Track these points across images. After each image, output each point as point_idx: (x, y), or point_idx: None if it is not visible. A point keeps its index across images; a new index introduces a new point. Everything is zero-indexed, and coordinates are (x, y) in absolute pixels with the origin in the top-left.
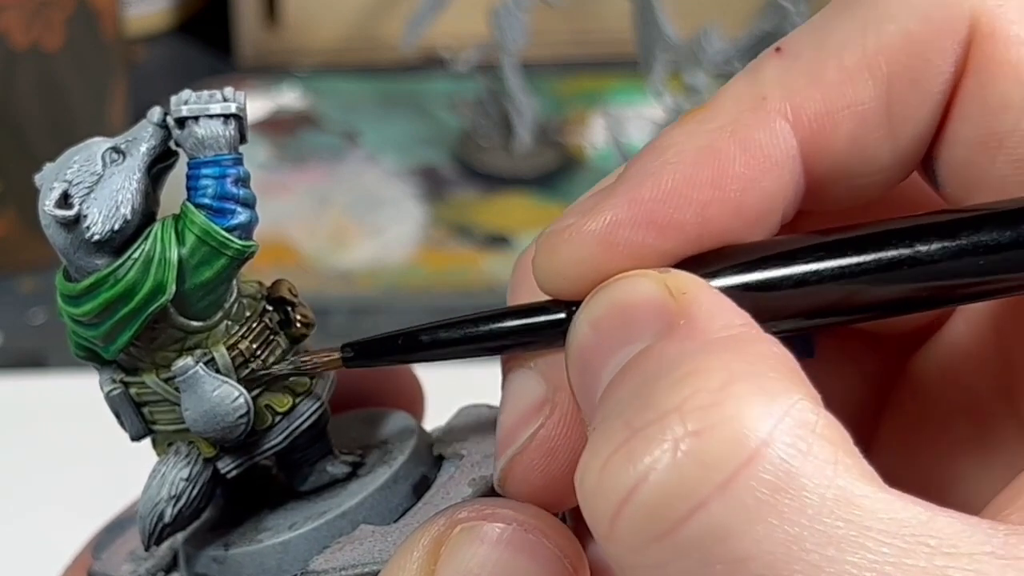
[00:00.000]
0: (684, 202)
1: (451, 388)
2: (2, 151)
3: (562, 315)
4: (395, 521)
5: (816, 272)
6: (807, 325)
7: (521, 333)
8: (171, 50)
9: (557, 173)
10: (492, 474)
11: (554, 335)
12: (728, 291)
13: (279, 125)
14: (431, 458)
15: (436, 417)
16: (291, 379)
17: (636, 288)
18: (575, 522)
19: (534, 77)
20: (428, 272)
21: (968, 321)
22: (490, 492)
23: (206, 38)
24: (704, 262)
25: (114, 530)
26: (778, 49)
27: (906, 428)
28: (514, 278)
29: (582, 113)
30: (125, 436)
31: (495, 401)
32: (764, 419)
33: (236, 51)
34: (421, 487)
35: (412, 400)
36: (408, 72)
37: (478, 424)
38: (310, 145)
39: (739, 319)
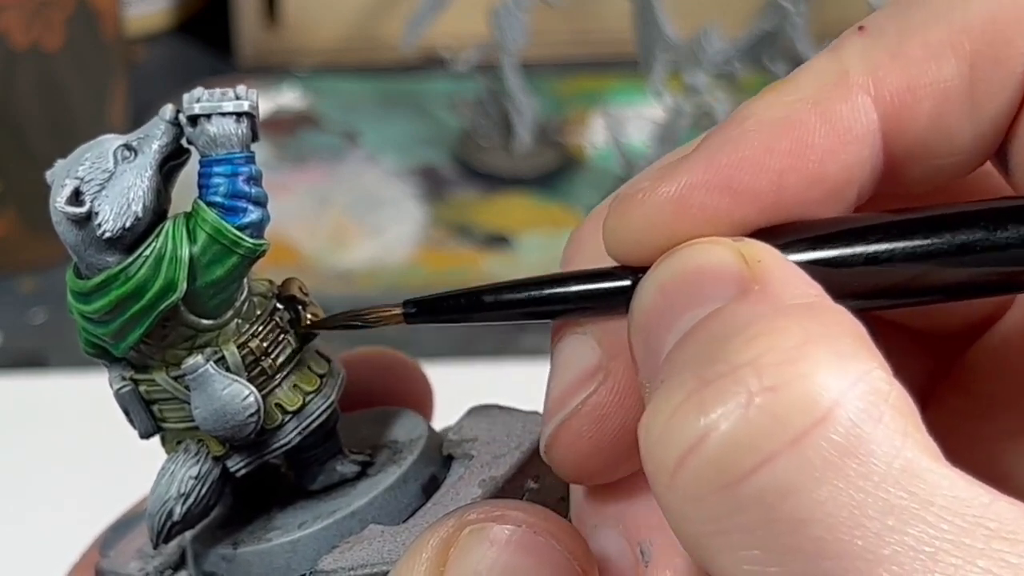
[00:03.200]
0: (761, 170)
1: (460, 387)
2: (2, 151)
3: (628, 282)
4: (404, 521)
5: (887, 251)
6: (875, 305)
7: (584, 299)
8: (171, 50)
9: (557, 173)
10: (501, 474)
11: (616, 303)
12: (799, 265)
13: (279, 125)
14: (441, 458)
15: (445, 416)
16: (300, 378)
17: (710, 253)
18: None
19: (534, 77)
20: (428, 272)
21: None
22: (499, 493)
23: (206, 38)
24: (775, 234)
25: (121, 528)
26: (861, 28)
27: (953, 422)
28: (568, 248)
29: (582, 113)
30: (125, 436)
31: (505, 401)
32: (838, 381)
33: (236, 51)
34: (431, 487)
35: (421, 399)
36: (408, 72)
37: (488, 424)
38: (310, 145)
39: (813, 289)
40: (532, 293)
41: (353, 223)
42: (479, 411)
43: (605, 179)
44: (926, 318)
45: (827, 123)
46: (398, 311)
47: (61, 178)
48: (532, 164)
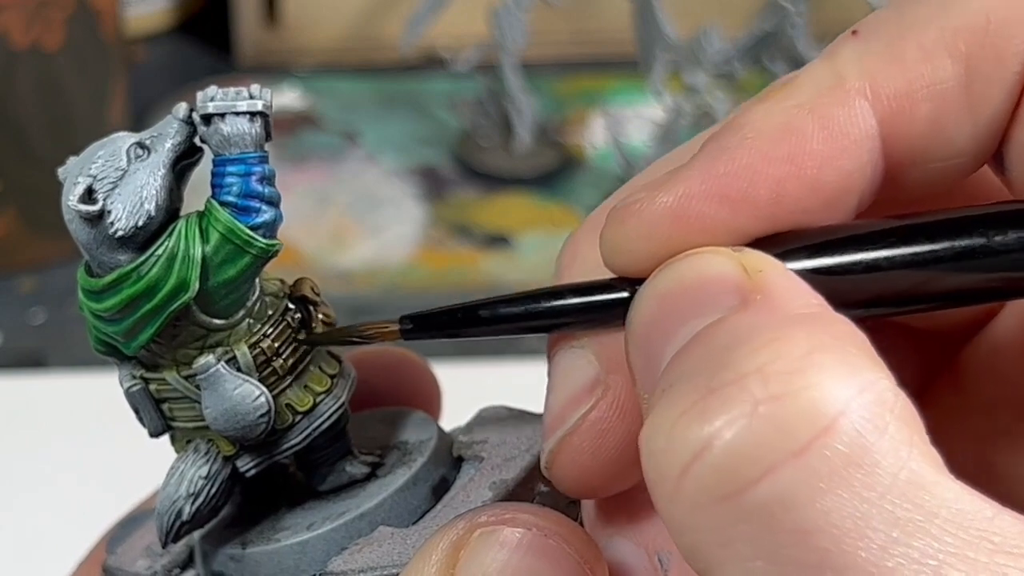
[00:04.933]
0: (759, 177)
1: (469, 388)
2: (2, 151)
3: (626, 294)
4: (414, 523)
5: (887, 258)
6: (876, 312)
7: (582, 311)
8: (171, 50)
9: (557, 173)
10: (512, 477)
11: (614, 315)
12: (799, 274)
13: (279, 125)
14: (451, 459)
15: (454, 417)
16: (311, 378)
17: (709, 263)
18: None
19: (534, 77)
20: (428, 272)
21: (1018, 314)
22: (510, 495)
23: (206, 38)
24: (775, 243)
25: (129, 525)
26: (854, 32)
27: (946, 422)
28: (563, 258)
29: (582, 113)
30: (126, 435)
31: (514, 402)
32: (845, 391)
33: (236, 51)
34: (440, 489)
35: (430, 399)
36: (408, 72)
37: (498, 426)
38: (310, 145)
39: (815, 299)
40: (528, 307)
41: (353, 223)
42: (489, 413)
43: (605, 179)
44: (922, 316)
45: (825, 129)
46: (395, 327)
47: (74, 176)
48: (532, 164)
